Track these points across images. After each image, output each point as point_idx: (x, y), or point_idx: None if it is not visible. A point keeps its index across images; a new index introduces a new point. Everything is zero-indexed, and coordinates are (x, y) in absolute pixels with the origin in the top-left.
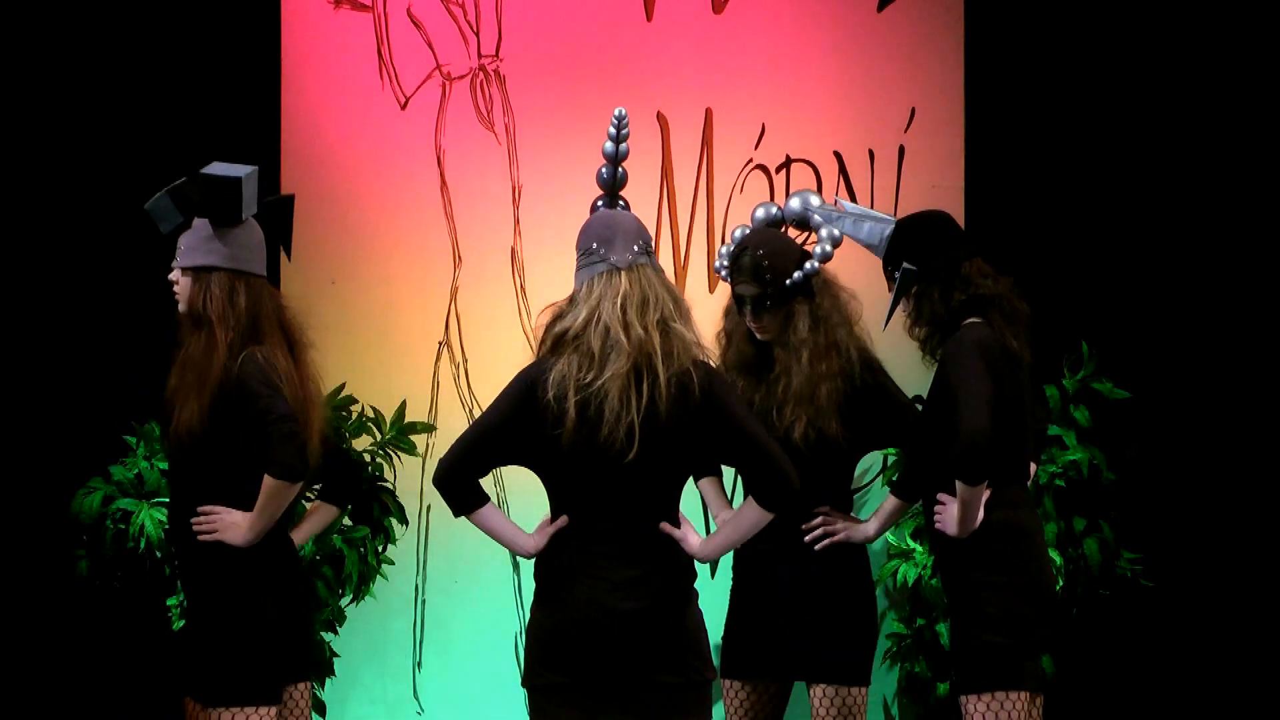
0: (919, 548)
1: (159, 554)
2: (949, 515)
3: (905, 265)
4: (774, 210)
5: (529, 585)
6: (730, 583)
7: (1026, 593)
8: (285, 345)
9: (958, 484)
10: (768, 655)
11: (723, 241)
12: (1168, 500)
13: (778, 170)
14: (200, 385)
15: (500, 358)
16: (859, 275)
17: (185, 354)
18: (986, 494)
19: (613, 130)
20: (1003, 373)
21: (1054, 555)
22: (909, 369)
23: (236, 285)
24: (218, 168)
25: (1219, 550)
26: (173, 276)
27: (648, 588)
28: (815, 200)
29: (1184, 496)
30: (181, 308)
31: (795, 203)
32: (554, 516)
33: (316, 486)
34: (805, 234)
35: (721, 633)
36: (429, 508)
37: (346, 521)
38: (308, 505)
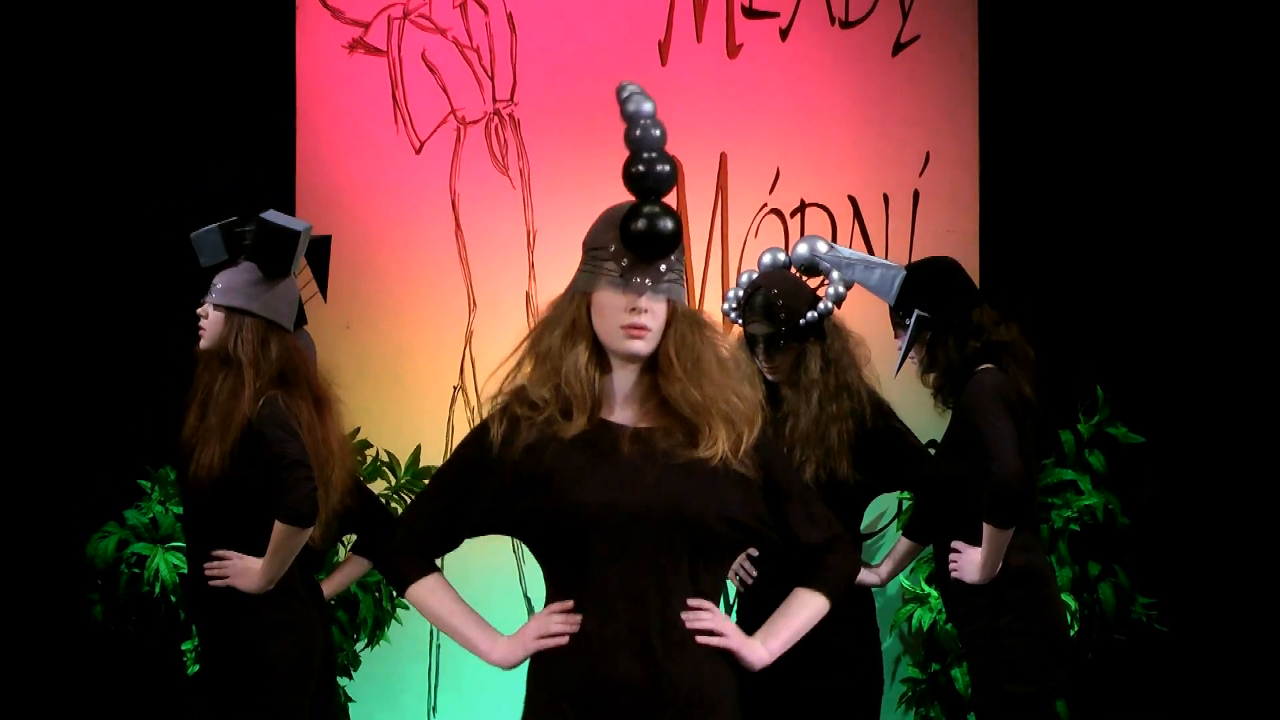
0: (934, 592)
1: (173, 598)
2: (968, 561)
3: (918, 312)
4: (781, 256)
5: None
6: None
7: (1046, 638)
8: (311, 399)
9: (986, 527)
10: (773, 702)
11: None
12: (1182, 545)
13: (792, 214)
14: (224, 428)
15: None
16: (864, 320)
17: (209, 394)
18: None
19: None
20: (1020, 418)
21: (1069, 600)
22: (916, 414)
23: (270, 335)
24: (276, 216)
25: (1234, 595)
26: (202, 311)
27: None
28: (822, 246)
29: (1199, 541)
30: (205, 343)
31: (803, 248)
32: None
33: (350, 537)
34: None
35: None
36: None
37: None
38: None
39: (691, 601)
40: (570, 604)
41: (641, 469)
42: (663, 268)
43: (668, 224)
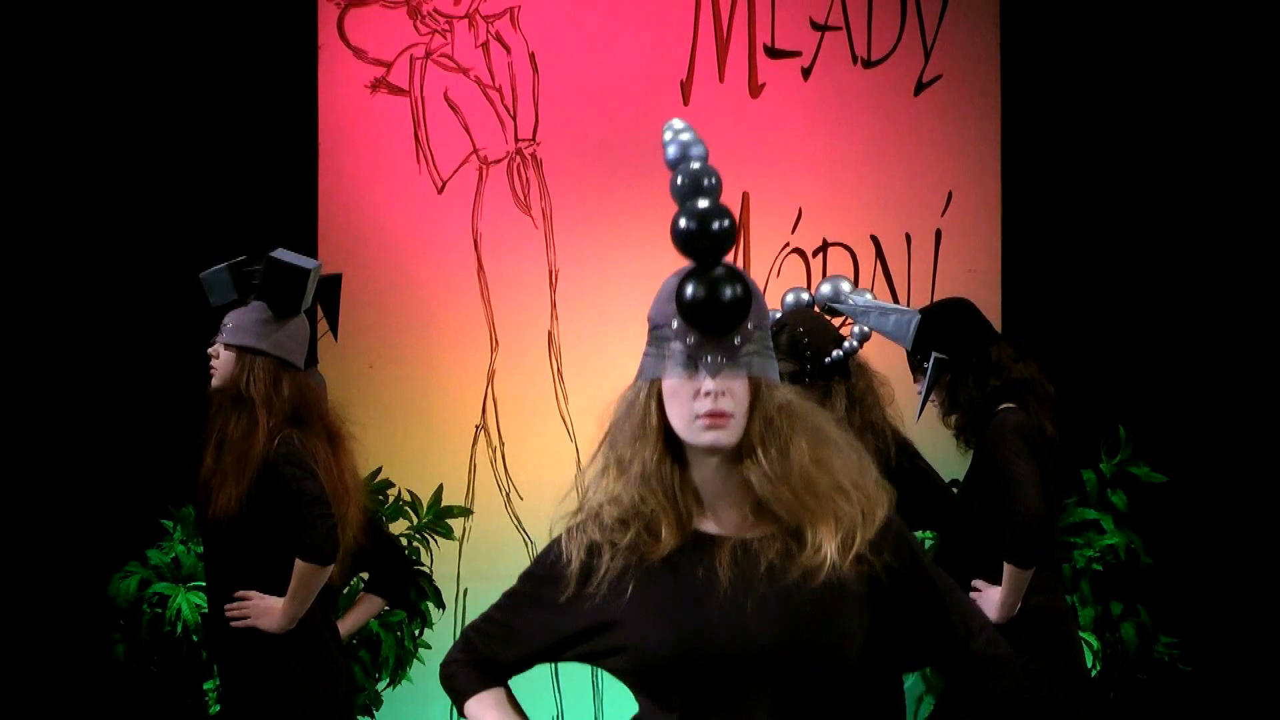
0: None
1: (195, 638)
2: (987, 600)
3: (936, 355)
4: (804, 295)
5: (566, 672)
6: None
7: (1065, 679)
8: (326, 437)
9: (1007, 566)
10: None
11: None
12: (1205, 585)
13: (815, 254)
14: (240, 468)
15: (537, 442)
16: (888, 360)
17: (224, 435)
18: None
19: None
20: (1043, 456)
21: (1091, 639)
22: (939, 453)
23: (281, 374)
24: (286, 255)
25: (1257, 635)
26: (213, 350)
27: None
28: (846, 286)
29: (1221, 581)
30: (216, 383)
31: (827, 288)
32: None
33: (364, 575)
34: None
35: None
36: (465, 591)
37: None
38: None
39: None
40: None
41: (739, 598)
42: (737, 340)
43: (732, 289)
